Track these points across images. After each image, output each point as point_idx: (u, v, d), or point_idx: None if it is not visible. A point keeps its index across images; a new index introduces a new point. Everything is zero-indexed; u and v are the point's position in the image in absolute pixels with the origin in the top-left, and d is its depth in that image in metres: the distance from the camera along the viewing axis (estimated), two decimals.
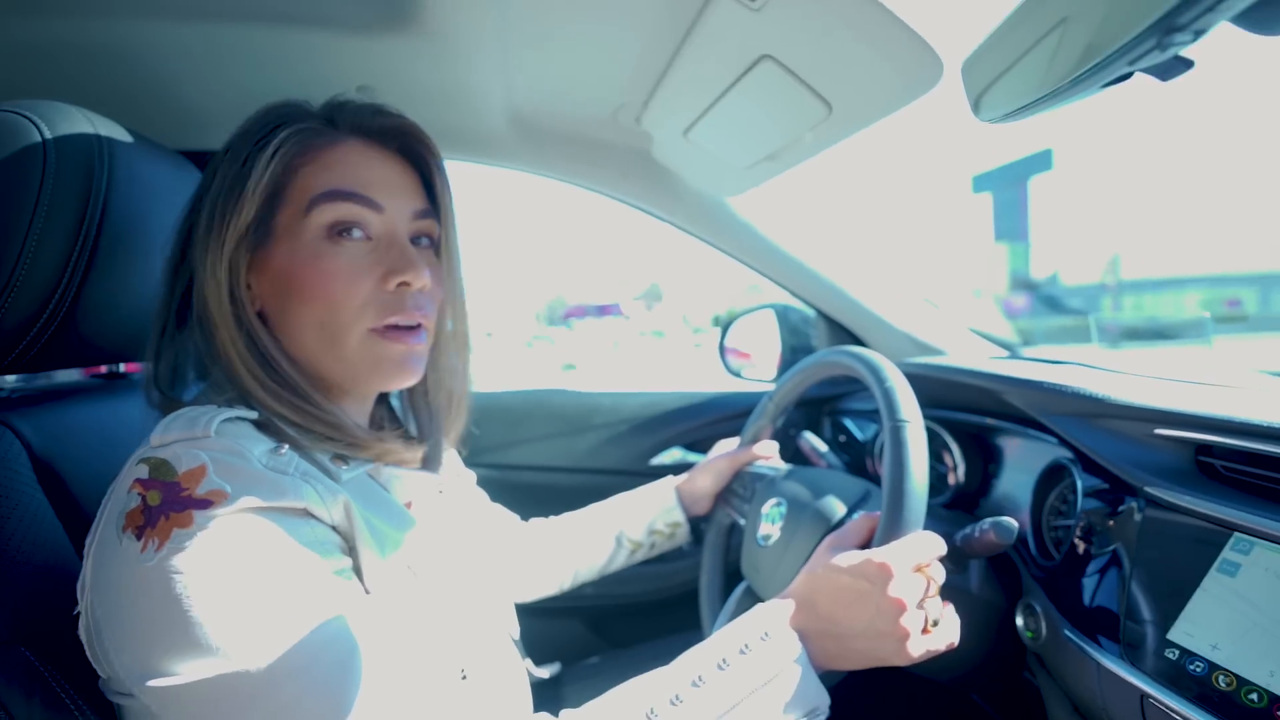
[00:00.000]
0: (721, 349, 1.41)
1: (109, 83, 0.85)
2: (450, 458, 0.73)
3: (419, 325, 0.55)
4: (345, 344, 0.53)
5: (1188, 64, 0.37)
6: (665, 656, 0.55)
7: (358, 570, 0.48)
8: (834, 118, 0.72)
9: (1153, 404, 0.63)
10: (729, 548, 0.94)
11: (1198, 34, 0.33)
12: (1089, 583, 0.62)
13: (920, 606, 0.54)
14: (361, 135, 0.55)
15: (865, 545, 0.58)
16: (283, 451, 0.47)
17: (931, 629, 0.55)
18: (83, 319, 0.58)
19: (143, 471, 0.44)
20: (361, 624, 0.45)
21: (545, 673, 0.86)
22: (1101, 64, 0.38)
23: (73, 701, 0.49)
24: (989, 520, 0.63)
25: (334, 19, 0.78)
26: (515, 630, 0.70)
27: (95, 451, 0.62)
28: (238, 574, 0.41)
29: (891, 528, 0.57)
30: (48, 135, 0.54)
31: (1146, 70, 0.38)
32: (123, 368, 0.77)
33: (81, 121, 0.58)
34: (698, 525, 0.97)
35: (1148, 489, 0.59)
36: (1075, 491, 0.70)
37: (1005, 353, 1.16)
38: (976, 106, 0.55)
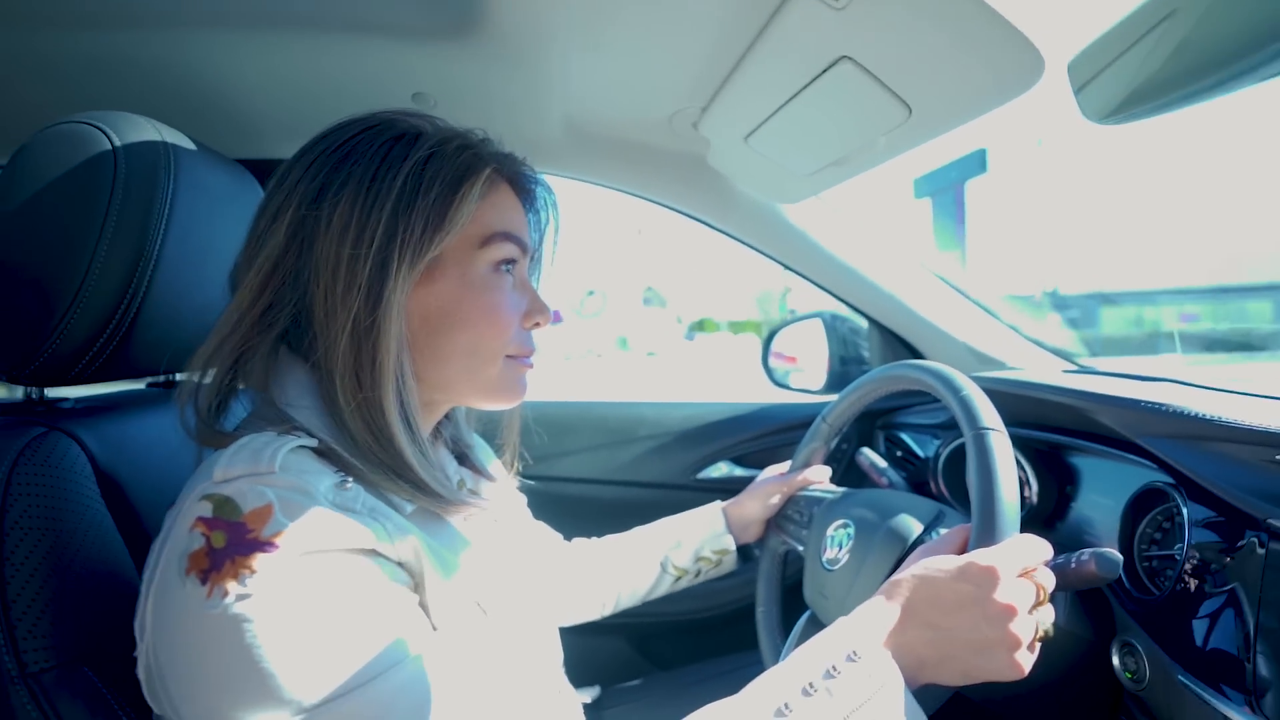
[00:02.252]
0: (765, 358, 1.38)
1: (170, 92, 0.86)
2: (503, 479, 0.72)
3: (530, 362, 0.60)
4: (491, 369, 0.56)
5: None
6: (711, 678, 0.53)
7: (424, 605, 0.47)
8: (913, 121, 0.68)
9: (1272, 426, 0.58)
10: (784, 577, 0.90)
11: None
12: (1201, 624, 0.57)
13: (1030, 613, 0.50)
14: (513, 184, 0.59)
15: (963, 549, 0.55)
16: (348, 486, 0.46)
17: (1042, 639, 0.51)
18: (146, 329, 0.58)
19: (206, 509, 0.42)
20: (434, 666, 0.44)
21: (586, 697, 0.84)
22: (1240, 70, 0.34)
23: None
24: (1089, 550, 0.59)
25: (392, 26, 0.77)
26: (560, 655, 0.69)
27: (156, 462, 0.62)
28: (308, 620, 0.40)
29: (986, 536, 0.53)
30: (118, 144, 0.55)
31: None
32: (179, 377, 0.76)
33: (149, 130, 0.58)
34: (748, 551, 0.94)
35: (1272, 521, 0.54)
36: (1173, 520, 0.65)
37: (1074, 366, 1.10)
38: (1082, 105, 0.51)
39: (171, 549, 0.42)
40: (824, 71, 0.66)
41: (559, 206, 0.64)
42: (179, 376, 0.76)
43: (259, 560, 0.40)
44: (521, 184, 0.60)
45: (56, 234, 0.53)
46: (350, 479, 0.46)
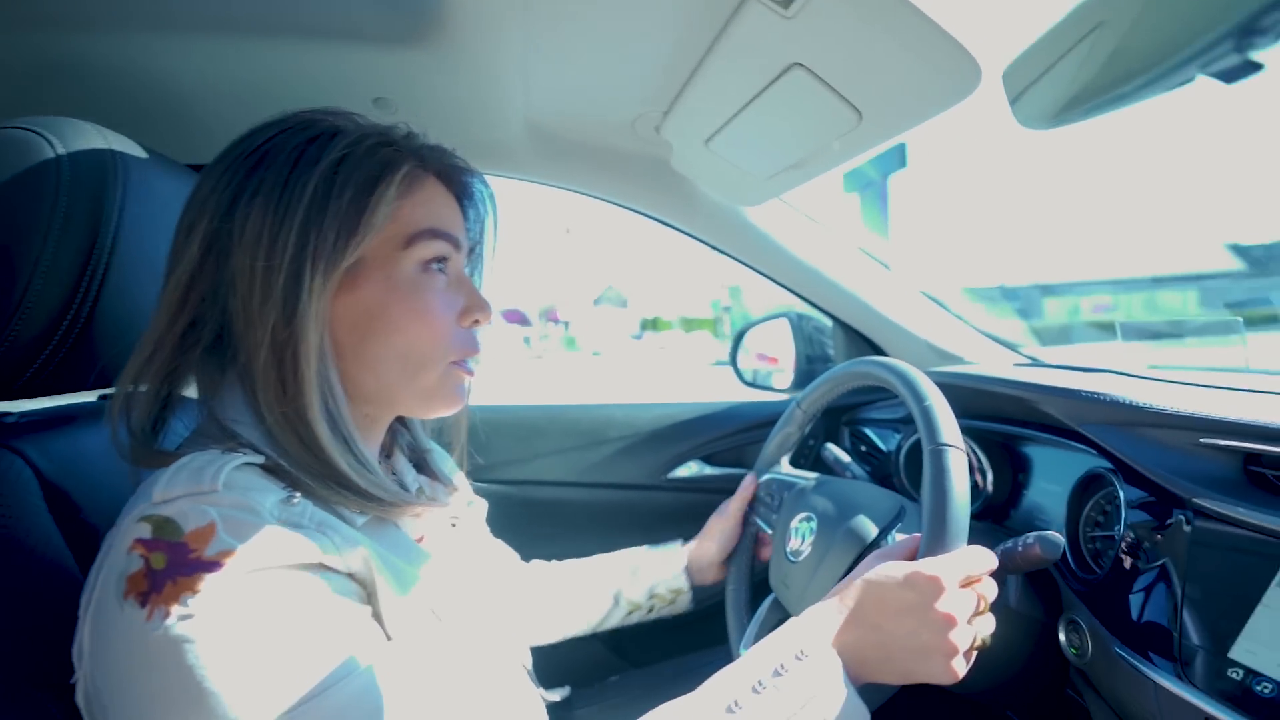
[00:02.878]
0: (734, 358, 1.40)
1: (121, 98, 0.84)
2: (461, 485, 0.72)
3: (470, 368, 0.57)
4: (428, 375, 0.53)
5: (1258, 67, 0.36)
6: (683, 675, 0.54)
7: (378, 616, 0.46)
8: (864, 125, 0.71)
9: (1196, 411, 0.61)
10: (754, 558, 0.92)
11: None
12: (1137, 598, 0.60)
13: (969, 623, 0.53)
14: (442, 178, 0.57)
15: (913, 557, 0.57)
16: (295, 501, 0.44)
17: (979, 648, 0.54)
18: (96, 341, 0.56)
19: (144, 531, 0.40)
20: (386, 674, 0.43)
21: (556, 696, 0.84)
22: (1168, 69, 0.37)
23: None
24: (1033, 534, 0.62)
25: (351, 31, 0.77)
26: (528, 659, 0.69)
27: (111, 478, 0.60)
28: (254, 639, 0.39)
29: (935, 546, 0.55)
30: (61, 151, 0.53)
31: (1213, 74, 0.37)
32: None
33: (95, 137, 0.56)
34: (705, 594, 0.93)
35: (1196, 500, 0.57)
36: (1114, 503, 0.69)
37: (1026, 360, 1.15)
38: (1018, 114, 0.54)
39: (109, 572, 0.41)
40: (778, 78, 0.69)
41: (495, 198, 0.62)
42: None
43: (203, 581, 0.39)
44: (453, 178, 0.58)
45: None
46: (298, 494, 0.45)
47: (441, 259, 0.54)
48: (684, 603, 0.90)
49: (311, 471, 0.47)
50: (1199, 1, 0.37)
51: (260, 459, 0.46)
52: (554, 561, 0.91)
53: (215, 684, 0.38)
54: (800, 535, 0.79)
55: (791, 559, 0.78)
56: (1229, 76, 0.37)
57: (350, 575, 0.45)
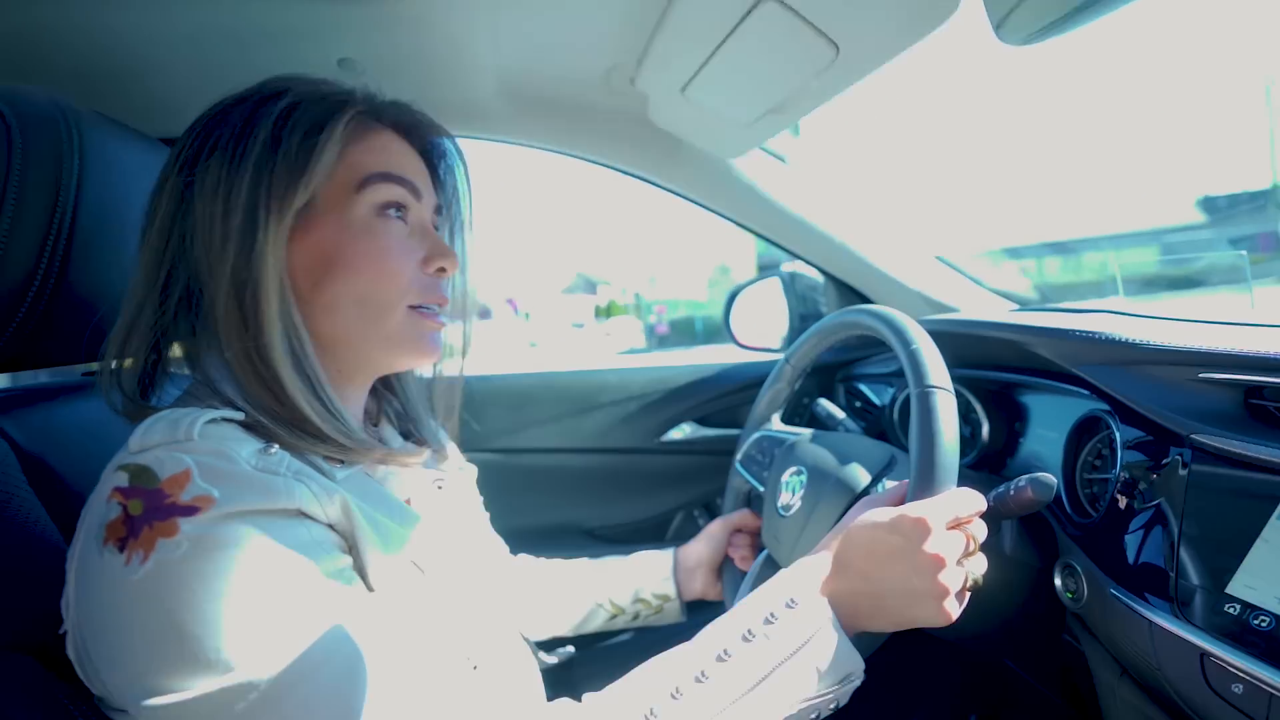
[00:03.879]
0: (727, 320, 1.38)
1: (81, 68, 0.82)
2: (450, 451, 0.71)
3: (437, 315, 0.57)
4: (389, 319, 0.54)
5: None
6: (684, 633, 0.53)
7: (360, 569, 0.47)
8: (841, 60, 0.67)
9: (1195, 346, 0.59)
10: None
11: None
12: (1133, 539, 0.59)
13: (959, 564, 0.51)
14: (399, 130, 0.57)
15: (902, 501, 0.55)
16: (273, 451, 0.45)
17: (971, 588, 0.52)
18: (63, 316, 0.56)
19: (122, 479, 0.41)
20: (365, 625, 0.43)
21: (555, 659, 0.83)
22: None
23: (76, 710, 0.46)
24: (1025, 477, 0.60)
25: None
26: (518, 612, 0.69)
27: (92, 451, 0.60)
28: (231, 582, 0.39)
29: (922, 489, 0.54)
30: (12, 120, 0.52)
31: None
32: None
33: (47, 105, 0.55)
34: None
35: (1195, 436, 0.55)
36: (1111, 445, 0.67)
37: (1018, 306, 1.12)
38: (1000, 28, 0.51)
39: (90, 522, 0.42)
40: (749, 12, 0.65)
41: (463, 155, 0.62)
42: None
43: (179, 524, 0.39)
44: (414, 133, 0.59)
45: None
46: (275, 446, 0.46)
47: (399, 205, 0.54)
48: (673, 611, 0.86)
49: (276, 416, 0.48)
50: None
51: (240, 415, 0.47)
52: (541, 559, 0.88)
53: (191, 626, 0.38)
54: (790, 489, 0.77)
55: (782, 513, 0.77)
56: None
57: (331, 526, 0.46)
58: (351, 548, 0.47)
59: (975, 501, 0.53)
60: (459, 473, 0.69)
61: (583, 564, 0.87)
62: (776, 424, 0.91)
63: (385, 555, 0.48)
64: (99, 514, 0.41)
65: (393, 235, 0.54)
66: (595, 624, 0.85)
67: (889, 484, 0.68)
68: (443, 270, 0.57)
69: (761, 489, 0.86)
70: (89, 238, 0.55)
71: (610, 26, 0.80)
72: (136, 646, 0.39)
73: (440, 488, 0.63)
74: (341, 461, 0.51)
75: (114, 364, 0.51)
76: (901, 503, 0.55)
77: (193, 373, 0.53)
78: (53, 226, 0.53)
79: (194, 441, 0.42)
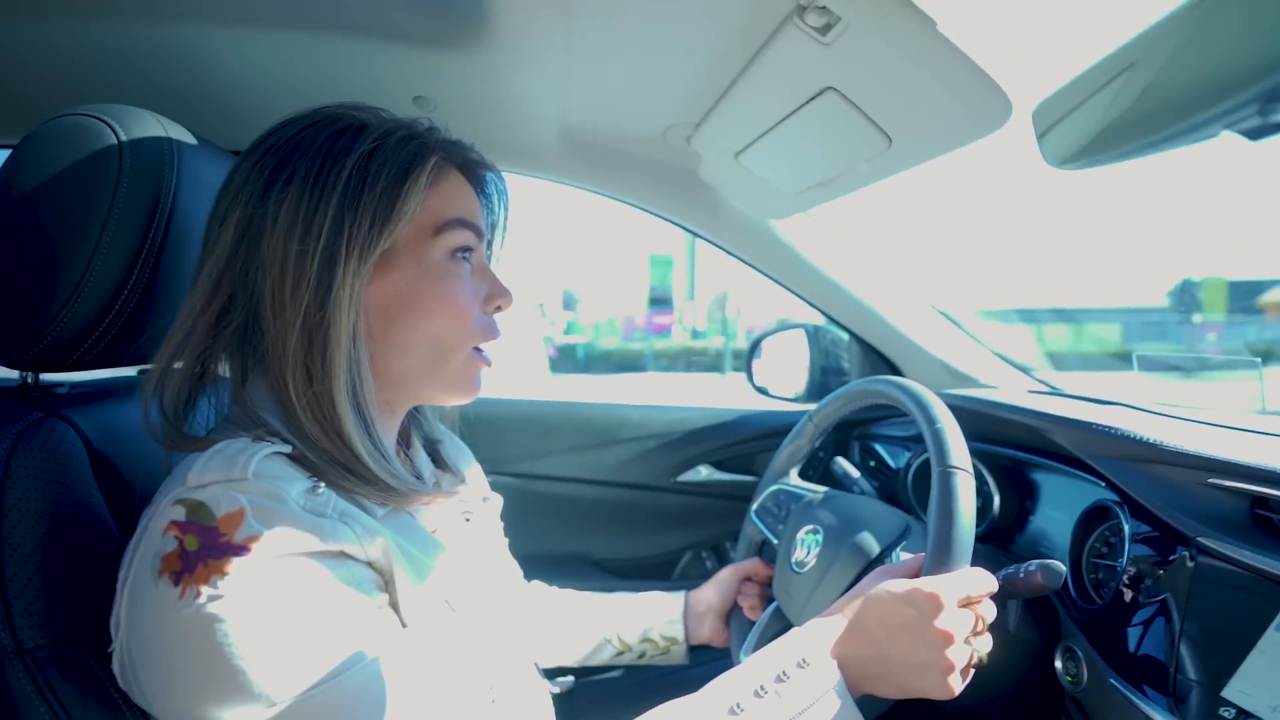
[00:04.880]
0: (749, 366, 1.42)
1: (173, 86, 0.87)
2: (476, 479, 0.73)
3: (488, 358, 0.59)
4: (452, 361, 0.56)
5: None
6: (682, 677, 0.55)
7: (394, 604, 0.49)
8: (893, 150, 0.72)
9: (1206, 452, 0.62)
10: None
11: None
12: (1135, 631, 0.61)
13: (967, 641, 0.54)
14: (463, 170, 0.59)
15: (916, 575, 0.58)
16: (319, 491, 0.47)
17: (976, 665, 0.55)
18: (145, 320, 0.59)
19: (179, 514, 0.43)
20: (399, 661, 0.45)
21: (558, 688, 0.85)
22: (1192, 125, 0.38)
23: (128, 706, 0.49)
24: (1036, 562, 0.63)
25: (396, 30, 0.79)
26: (535, 648, 0.71)
27: (147, 449, 0.63)
28: (278, 620, 0.42)
29: (937, 565, 0.56)
30: (123, 138, 0.56)
31: (1237, 131, 0.38)
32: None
33: (154, 125, 0.59)
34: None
35: (1200, 539, 0.58)
36: (1119, 535, 0.70)
37: (1041, 386, 1.15)
38: (1044, 151, 0.55)
39: (145, 550, 0.43)
40: (811, 99, 0.70)
41: (509, 192, 0.65)
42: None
43: (232, 563, 0.41)
44: (472, 170, 0.60)
45: (61, 224, 0.54)
46: (322, 484, 0.47)
47: (467, 249, 0.56)
48: (679, 654, 0.88)
49: (331, 458, 0.49)
50: (1231, 58, 0.38)
51: (287, 448, 0.48)
52: (554, 589, 0.91)
53: (239, 661, 0.40)
54: (806, 547, 0.80)
55: (796, 569, 0.80)
56: (1254, 134, 0.38)
57: (370, 564, 0.47)
58: (388, 583, 0.48)
59: (986, 583, 0.56)
60: (484, 504, 0.71)
61: (594, 598, 0.89)
62: (794, 478, 0.94)
63: (419, 593, 0.50)
64: (155, 545, 0.42)
65: (462, 278, 0.55)
66: (601, 658, 0.88)
67: (903, 555, 0.71)
68: (500, 309, 0.59)
69: (775, 540, 0.88)
70: (176, 249, 0.59)
71: (676, 90, 0.86)
72: (186, 676, 0.41)
73: (468, 520, 0.65)
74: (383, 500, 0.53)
75: (160, 373, 0.52)
76: (916, 575, 0.57)
77: (234, 394, 0.53)
78: (147, 240, 0.56)
79: (248, 481, 0.44)
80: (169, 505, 0.43)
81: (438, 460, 0.69)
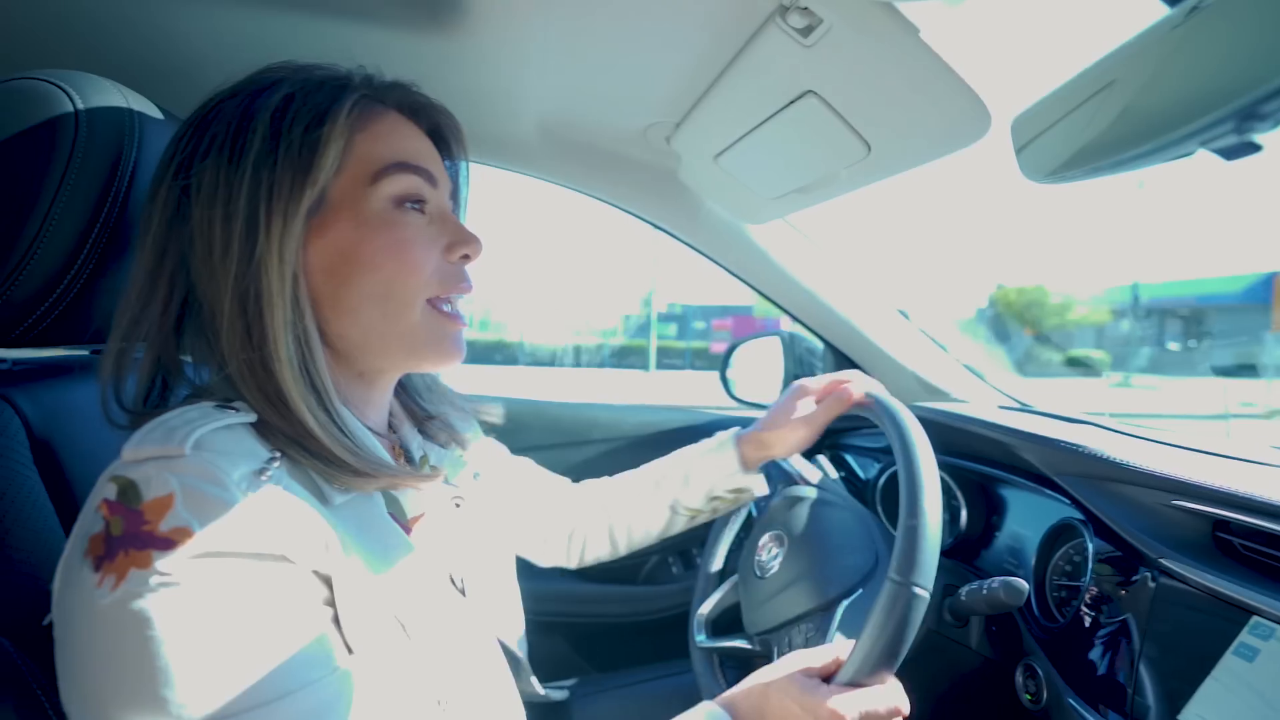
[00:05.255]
0: (724, 371, 1.41)
1: (138, 57, 0.84)
2: (487, 451, 0.69)
3: (459, 315, 0.55)
4: (409, 316, 0.51)
5: (1257, 148, 0.36)
6: (676, 677, 0.52)
7: (337, 620, 0.43)
8: (872, 158, 0.71)
9: (1171, 473, 0.62)
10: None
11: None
12: (1095, 650, 0.61)
13: None
14: (405, 111, 0.54)
15: (832, 674, 0.54)
16: (266, 474, 0.42)
17: None
18: (98, 297, 0.56)
19: (111, 491, 0.39)
20: (336, 693, 0.41)
21: (557, 696, 0.80)
22: (1169, 142, 0.38)
23: (50, 704, 0.46)
24: (999, 579, 0.63)
25: (373, 14, 0.77)
26: (522, 645, 0.65)
27: (94, 432, 0.60)
28: (194, 629, 0.37)
29: (859, 673, 0.52)
30: (80, 106, 0.53)
31: (1213, 150, 0.38)
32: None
33: (115, 95, 0.56)
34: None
35: (1163, 560, 0.58)
36: (1083, 554, 0.69)
37: (1012, 403, 1.16)
38: (1023, 164, 0.55)
39: (80, 527, 0.40)
40: (791, 103, 0.69)
41: (462, 131, 0.59)
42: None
43: (150, 557, 0.37)
44: (420, 113, 0.55)
45: (8, 192, 0.51)
46: (274, 464, 0.43)
47: (417, 198, 0.51)
48: (750, 497, 0.83)
49: (284, 433, 0.45)
50: (1208, 78, 0.38)
51: (252, 417, 0.45)
52: (605, 478, 0.88)
53: (148, 667, 0.36)
54: (769, 553, 0.79)
55: (758, 574, 0.78)
56: (1229, 154, 0.38)
57: (314, 572, 0.42)
58: (331, 598, 0.43)
59: (899, 705, 0.52)
60: (476, 483, 0.67)
61: (649, 473, 0.85)
62: (796, 459, 0.88)
63: (366, 608, 0.44)
64: (87, 522, 0.39)
65: (411, 228, 0.50)
66: (678, 527, 0.84)
67: (836, 634, 0.65)
68: (467, 256, 0.54)
69: (755, 514, 0.86)
70: (133, 225, 0.56)
71: (657, 88, 0.84)
72: (92, 671, 0.38)
73: (458, 505, 0.61)
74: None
75: (116, 355, 0.49)
76: (832, 673, 0.53)
77: (211, 367, 0.49)
78: (102, 213, 0.53)
79: (185, 458, 0.39)
80: (104, 481, 0.40)
81: (432, 437, 0.64)
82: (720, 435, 0.82)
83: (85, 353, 0.74)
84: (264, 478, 0.42)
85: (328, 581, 0.43)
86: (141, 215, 0.50)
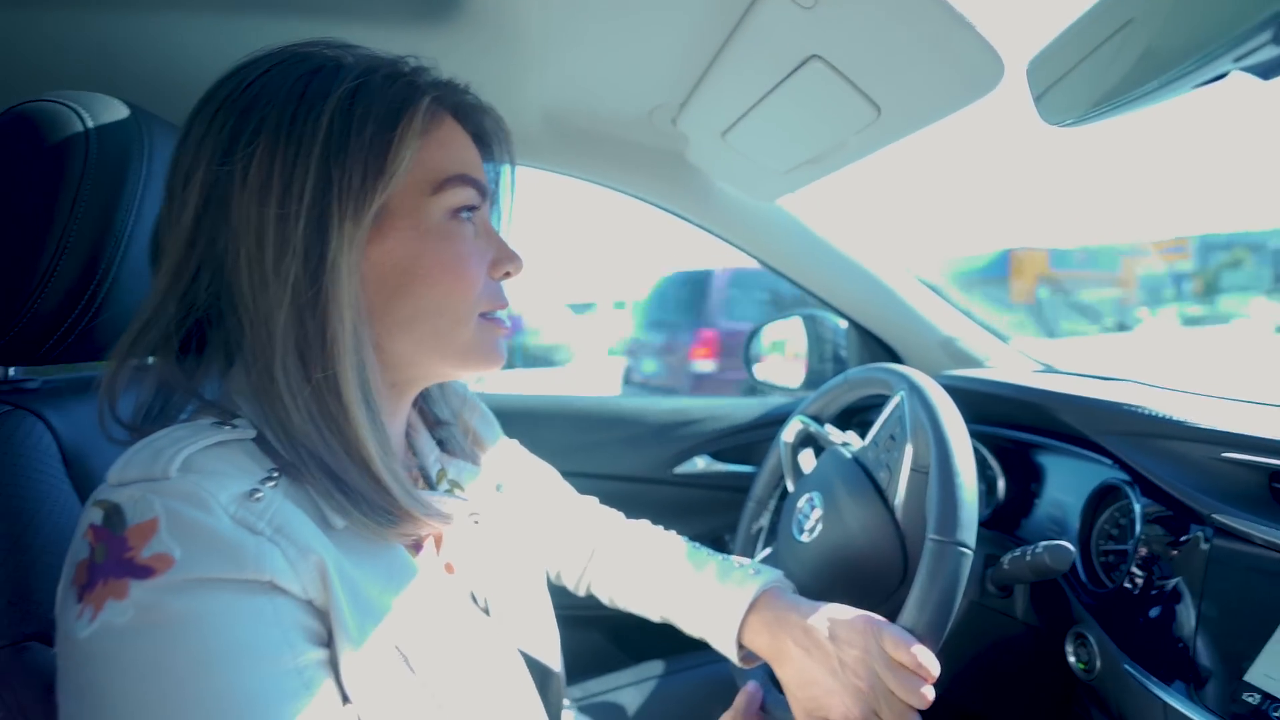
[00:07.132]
0: (747, 357, 1.39)
1: (144, 75, 0.86)
2: (508, 458, 0.67)
3: (504, 321, 0.53)
4: (463, 331, 0.48)
5: None
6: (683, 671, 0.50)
7: (334, 660, 0.39)
8: (882, 120, 0.69)
9: (1221, 426, 0.59)
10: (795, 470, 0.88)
11: None
12: (1149, 614, 0.58)
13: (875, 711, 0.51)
14: (458, 117, 0.50)
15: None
16: (259, 496, 0.38)
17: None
18: (118, 312, 0.57)
19: (97, 516, 0.37)
20: None
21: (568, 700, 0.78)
22: (1201, 60, 0.35)
23: None
24: (1043, 544, 0.60)
25: (370, 12, 0.77)
26: (556, 656, 0.60)
27: (125, 445, 0.62)
28: (170, 666, 0.35)
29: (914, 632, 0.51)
30: (90, 125, 0.54)
31: (1248, 68, 0.35)
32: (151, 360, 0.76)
33: (124, 113, 0.57)
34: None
35: (1216, 516, 0.55)
36: (1129, 515, 0.67)
37: (1042, 366, 1.12)
38: (1043, 110, 0.52)
39: (70, 554, 0.38)
40: (795, 70, 0.67)
41: (510, 140, 0.56)
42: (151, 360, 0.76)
43: (130, 588, 0.35)
44: (469, 117, 0.51)
45: (25, 213, 0.52)
46: (269, 483, 0.40)
47: (470, 207, 0.48)
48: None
49: (324, 464, 0.41)
50: None
51: (251, 433, 0.41)
52: (627, 526, 0.80)
53: (121, 708, 0.34)
54: (809, 527, 0.76)
55: (797, 535, 0.75)
56: (1266, 72, 0.35)
57: (309, 603, 0.39)
58: (328, 635, 0.39)
59: (931, 669, 0.50)
60: (497, 494, 0.63)
61: (664, 579, 0.71)
62: (828, 427, 0.86)
63: (366, 647, 0.40)
64: (76, 549, 0.37)
65: (467, 240, 0.48)
66: (649, 616, 0.74)
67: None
68: (508, 274, 0.52)
69: (791, 486, 0.85)
70: (146, 239, 0.56)
71: (658, 69, 0.83)
72: (68, 710, 0.36)
73: (476, 522, 0.57)
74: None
75: (117, 369, 0.45)
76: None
77: (217, 380, 0.46)
78: (117, 228, 0.54)
79: (170, 481, 0.37)
80: (90, 505, 0.38)
81: (444, 444, 0.60)
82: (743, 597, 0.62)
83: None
84: (256, 498, 0.38)
85: (323, 617, 0.39)
86: (161, 213, 0.46)
